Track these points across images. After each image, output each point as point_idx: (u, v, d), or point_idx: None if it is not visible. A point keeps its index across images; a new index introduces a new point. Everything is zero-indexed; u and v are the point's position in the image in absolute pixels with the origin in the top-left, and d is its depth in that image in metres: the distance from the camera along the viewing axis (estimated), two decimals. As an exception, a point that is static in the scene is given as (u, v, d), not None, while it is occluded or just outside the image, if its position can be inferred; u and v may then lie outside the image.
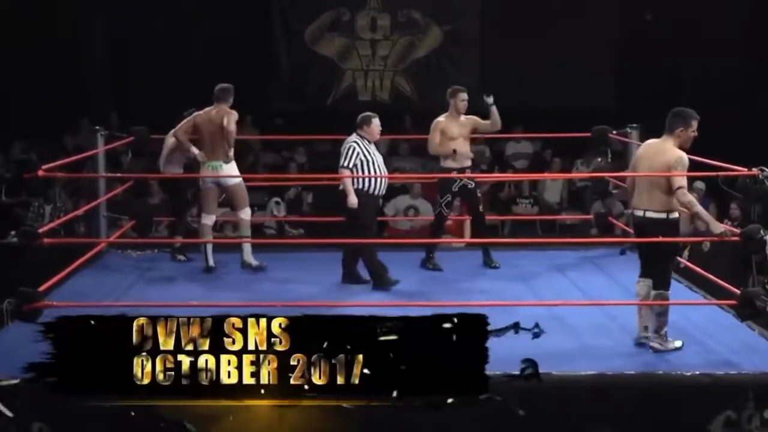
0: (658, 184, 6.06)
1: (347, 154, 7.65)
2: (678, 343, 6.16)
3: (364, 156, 7.65)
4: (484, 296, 7.12)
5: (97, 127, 9.08)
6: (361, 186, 7.66)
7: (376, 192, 7.74)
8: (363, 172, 7.62)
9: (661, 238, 6.10)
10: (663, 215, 6.08)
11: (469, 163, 8.45)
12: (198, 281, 8.06)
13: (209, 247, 8.25)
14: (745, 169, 6.54)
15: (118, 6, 14.15)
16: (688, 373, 5.67)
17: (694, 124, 6.11)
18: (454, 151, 8.29)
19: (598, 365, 5.81)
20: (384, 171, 7.79)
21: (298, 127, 12.91)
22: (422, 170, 13.21)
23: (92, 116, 12.40)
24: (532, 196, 12.71)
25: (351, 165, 7.62)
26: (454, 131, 8.36)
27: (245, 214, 8.37)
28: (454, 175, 8.33)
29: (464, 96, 8.46)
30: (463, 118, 8.44)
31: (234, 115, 8.20)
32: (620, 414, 5.56)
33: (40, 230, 6.51)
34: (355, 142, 7.69)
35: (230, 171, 8.26)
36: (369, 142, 7.74)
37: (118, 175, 9.13)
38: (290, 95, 14.42)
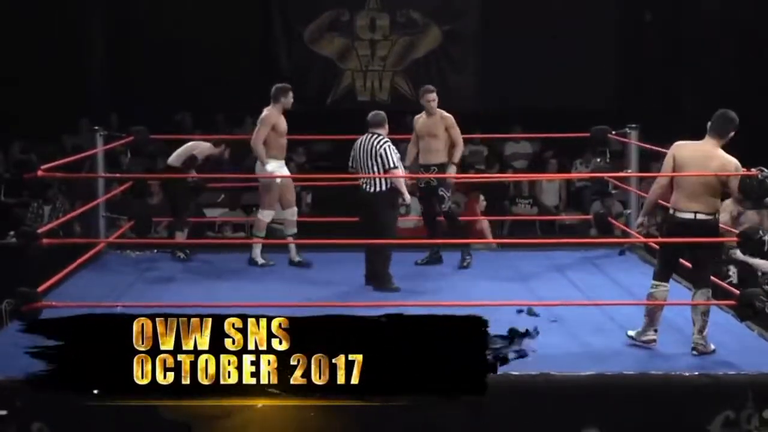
0: (712, 187, 6.08)
1: (388, 153, 7.57)
2: (713, 347, 6.14)
3: (397, 154, 7.66)
4: (483, 296, 7.11)
5: (97, 128, 9.08)
6: (389, 185, 7.60)
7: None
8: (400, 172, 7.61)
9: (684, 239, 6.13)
10: (711, 217, 6.10)
11: (436, 160, 8.40)
12: (197, 281, 8.06)
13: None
14: (745, 170, 6.53)
15: (117, 6, 14.16)
16: (688, 374, 5.67)
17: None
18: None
19: (598, 366, 5.82)
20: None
21: (298, 127, 12.93)
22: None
23: (92, 116, 12.40)
24: (532, 196, 12.70)
25: (397, 164, 7.60)
26: (422, 130, 8.46)
27: (261, 214, 8.38)
28: (443, 174, 8.33)
29: (430, 96, 8.45)
30: (437, 116, 8.42)
31: (262, 119, 8.29)
32: (619, 414, 5.57)
33: (39, 230, 6.50)
34: (387, 140, 7.64)
35: (262, 171, 8.33)
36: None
37: (117, 175, 9.12)
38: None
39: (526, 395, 5.58)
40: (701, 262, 6.21)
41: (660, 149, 8.75)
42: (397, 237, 7.88)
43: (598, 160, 11.37)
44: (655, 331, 6.19)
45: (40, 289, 6.25)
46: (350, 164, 7.80)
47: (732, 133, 6.14)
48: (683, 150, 6.22)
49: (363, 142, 7.66)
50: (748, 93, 13.35)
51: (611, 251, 8.90)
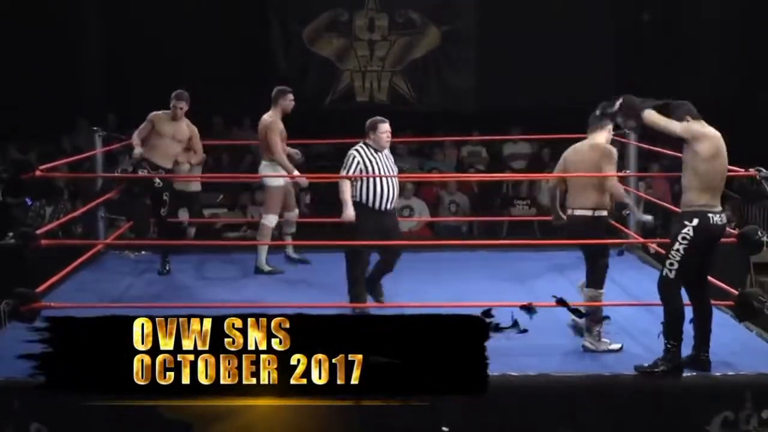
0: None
1: (345, 163, 7.05)
2: (616, 346, 6.17)
3: (365, 166, 7.02)
4: (481, 297, 7.10)
5: (95, 128, 9.08)
6: (359, 198, 7.02)
7: (377, 206, 7.01)
8: (364, 184, 6.97)
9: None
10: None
11: (166, 164, 8.30)
12: (196, 282, 8.06)
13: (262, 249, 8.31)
14: (743, 170, 6.54)
15: (115, 6, 14.15)
16: (687, 374, 5.67)
17: None
18: None
19: (597, 366, 5.82)
20: (391, 184, 7.02)
21: (296, 127, 12.92)
22: (419, 170, 13.23)
23: (89, 117, 12.39)
24: (530, 197, 12.69)
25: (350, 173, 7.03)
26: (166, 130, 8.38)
27: (266, 219, 8.33)
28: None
29: (180, 104, 8.36)
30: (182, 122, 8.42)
31: (268, 127, 8.25)
32: (619, 414, 5.57)
33: (39, 231, 6.50)
34: (357, 150, 7.05)
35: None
36: (375, 150, 7.04)
37: (117, 175, 9.11)
38: (288, 96, 14.41)
39: (526, 395, 5.58)
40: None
41: (659, 150, 8.79)
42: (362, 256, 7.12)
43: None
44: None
45: (38, 289, 6.25)
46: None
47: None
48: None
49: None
50: (746, 93, 13.37)
51: (610, 252, 8.89)
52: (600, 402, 5.59)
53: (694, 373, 5.68)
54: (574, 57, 13.94)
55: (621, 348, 6.14)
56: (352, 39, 14.62)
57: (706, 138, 5.58)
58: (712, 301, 6.79)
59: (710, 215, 5.56)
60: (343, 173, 7.03)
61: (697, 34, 14.03)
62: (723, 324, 6.63)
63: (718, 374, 5.69)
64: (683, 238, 5.54)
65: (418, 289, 7.64)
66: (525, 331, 6.35)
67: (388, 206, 7.04)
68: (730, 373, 5.70)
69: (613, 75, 14.27)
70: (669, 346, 5.62)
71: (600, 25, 14.35)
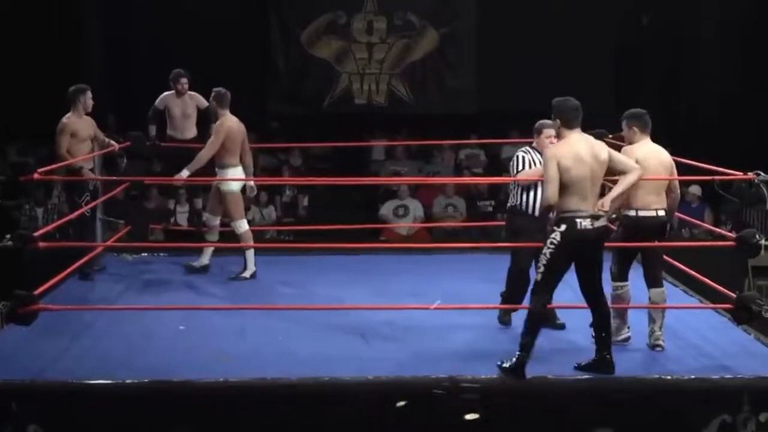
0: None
1: (515, 164, 6.79)
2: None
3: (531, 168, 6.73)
4: (480, 298, 7.10)
5: (93, 130, 9.09)
6: (517, 202, 6.80)
7: (537, 212, 6.62)
8: (533, 190, 6.69)
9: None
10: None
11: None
12: (192, 284, 8.05)
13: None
14: (741, 173, 6.53)
15: (115, 8, 14.15)
16: (684, 377, 5.67)
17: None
18: None
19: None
20: None
21: (294, 130, 12.90)
22: (418, 173, 13.22)
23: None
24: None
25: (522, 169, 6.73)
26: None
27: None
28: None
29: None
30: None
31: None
32: (616, 417, 5.56)
33: (37, 233, 6.49)
34: (523, 152, 6.82)
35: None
36: (540, 154, 6.68)
37: (114, 178, 9.11)
38: (287, 98, 14.40)
39: (524, 398, 5.58)
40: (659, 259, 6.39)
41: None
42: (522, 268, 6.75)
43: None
44: (629, 328, 6.32)
45: (36, 291, 6.24)
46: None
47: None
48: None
49: None
50: (745, 96, 13.38)
51: (606, 253, 8.88)
52: (597, 405, 5.58)
53: (692, 376, 5.68)
54: (574, 57, 13.93)
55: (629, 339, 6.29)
56: (350, 41, 14.62)
57: (568, 146, 5.86)
58: (711, 305, 6.82)
59: (578, 220, 5.59)
60: (515, 172, 6.77)
61: (697, 34, 14.03)
62: (721, 327, 6.65)
63: (715, 377, 5.69)
64: (551, 243, 5.62)
65: (417, 290, 7.64)
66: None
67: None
68: (728, 377, 5.70)
69: (612, 76, 14.28)
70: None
71: (600, 26, 14.33)
